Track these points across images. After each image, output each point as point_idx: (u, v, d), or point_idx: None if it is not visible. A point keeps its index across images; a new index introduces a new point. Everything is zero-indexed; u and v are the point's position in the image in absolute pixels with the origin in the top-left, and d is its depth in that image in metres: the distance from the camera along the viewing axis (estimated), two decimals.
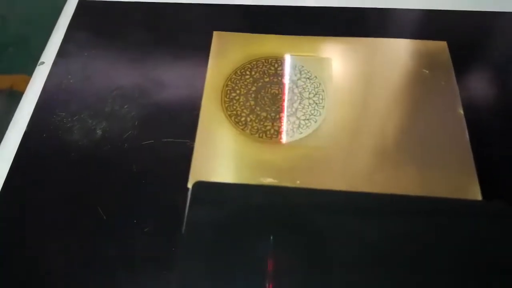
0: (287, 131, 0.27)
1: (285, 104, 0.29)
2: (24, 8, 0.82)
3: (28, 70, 0.33)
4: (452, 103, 0.28)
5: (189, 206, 0.23)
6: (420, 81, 0.29)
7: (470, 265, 0.21)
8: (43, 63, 0.32)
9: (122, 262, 0.23)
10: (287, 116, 0.28)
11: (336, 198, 0.24)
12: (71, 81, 0.31)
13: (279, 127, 0.27)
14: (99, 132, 0.28)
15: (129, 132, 0.28)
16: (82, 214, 0.24)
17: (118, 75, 0.31)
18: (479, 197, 0.24)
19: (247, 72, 0.30)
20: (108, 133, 0.28)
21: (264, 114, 0.28)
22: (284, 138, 0.27)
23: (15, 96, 0.28)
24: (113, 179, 0.26)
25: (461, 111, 0.28)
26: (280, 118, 0.28)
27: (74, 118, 0.28)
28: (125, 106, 0.29)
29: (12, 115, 0.29)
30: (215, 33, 0.32)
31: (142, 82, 0.30)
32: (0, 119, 0.29)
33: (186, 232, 0.22)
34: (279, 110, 0.28)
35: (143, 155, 0.27)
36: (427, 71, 0.30)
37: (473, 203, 0.24)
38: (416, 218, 0.23)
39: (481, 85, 0.30)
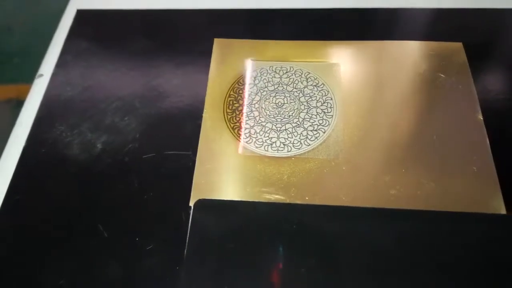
0: (293, 143, 0.26)
1: (291, 114, 0.28)
2: (30, 18, 0.83)
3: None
4: (471, 109, 0.27)
5: (191, 226, 0.23)
6: (435, 85, 0.28)
7: (494, 285, 0.20)
8: (41, 75, 0.32)
9: (124, 281, 0.22)
10: (294, 127, 0.27)
11: (348, 214, 0.23)
12: (70, 93, 0.30)
13: (285, 139, 0.26)
14: (99, 146, 0.27)
15: (130, 145, 0.27)
16: (82, 232, 0.24)
17: (117, 86, 0.30)
18: (502, 210, 0.23)
19: (250, 81, 0.29)
20: (109, 146, 0.27)
21: (269, 125, 0.27)
22: (291, 151, 0.26)
23: (21, 106, 0.28)
24: (114, 195, 0.25)
25: (481, 117, 0.26)
26: (286, 130, 0.27)
27: (74, 132, 0.28)
28: (125, 118, 0.28)
29: (12, 128, 0.29)
30: (216, 40, 0.32)
31: (142, 92, 0.30)
32: (7, 129, 0.29)
33: (188, 253, 0.22)
34: (285, 121, 0.27)
35: (144, 169, 0.26)
36: (442, 75, 0.28)
37: (496, 217, 0.23)
38: (435, 235, 0.22)
39: (501, 88, 0.29)
